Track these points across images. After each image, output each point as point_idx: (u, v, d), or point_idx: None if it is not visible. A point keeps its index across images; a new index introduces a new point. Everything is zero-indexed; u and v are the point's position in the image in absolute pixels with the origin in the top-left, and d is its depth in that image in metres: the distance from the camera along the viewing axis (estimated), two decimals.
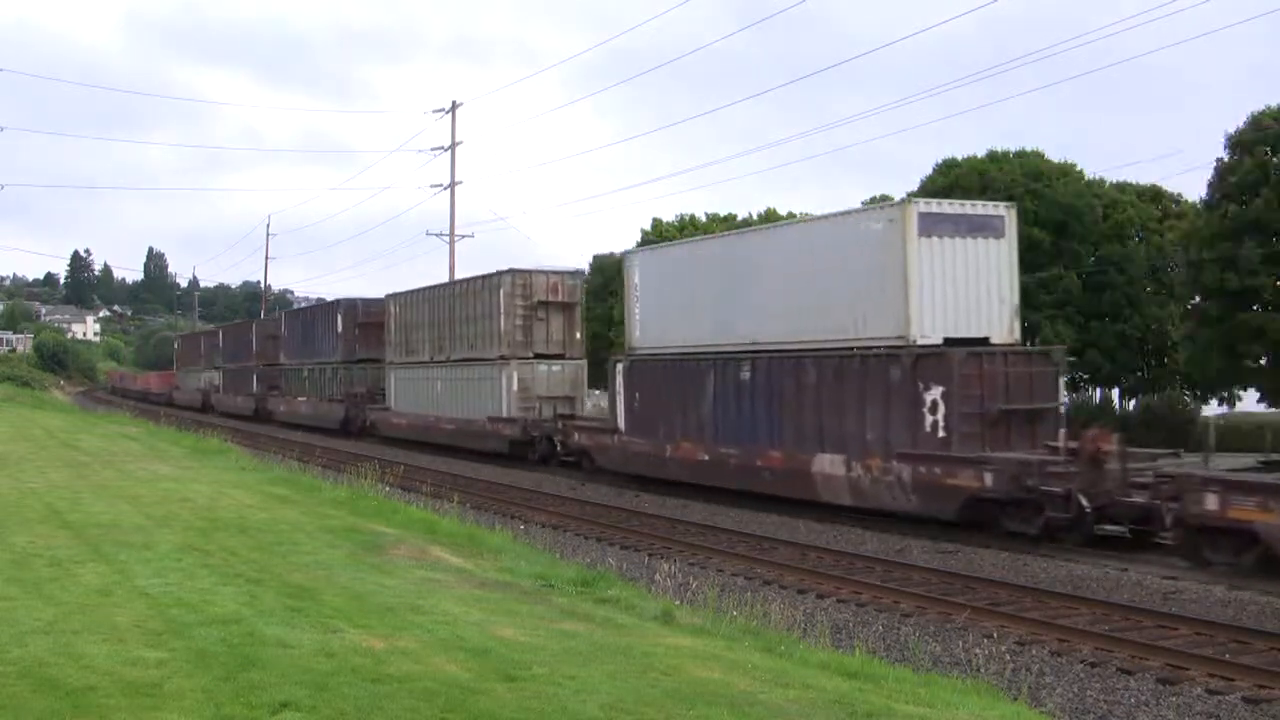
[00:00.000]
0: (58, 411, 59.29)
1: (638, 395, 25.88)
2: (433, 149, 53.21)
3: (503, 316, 33.49)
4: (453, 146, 51.92)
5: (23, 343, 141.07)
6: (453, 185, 51.94)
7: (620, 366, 26.70)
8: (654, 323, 25.93)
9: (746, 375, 22.34)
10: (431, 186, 60.21)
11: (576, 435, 29.27)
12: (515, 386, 32.67)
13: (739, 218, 57.67)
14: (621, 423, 26.35)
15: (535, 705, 6.70)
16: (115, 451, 27.64)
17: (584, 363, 34.56)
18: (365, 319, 46.79)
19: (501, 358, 33.49)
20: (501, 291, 33.73)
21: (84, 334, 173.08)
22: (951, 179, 43.98)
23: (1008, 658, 10.80)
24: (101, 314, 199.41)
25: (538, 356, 33.46)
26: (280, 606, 9.27)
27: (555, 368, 33.56)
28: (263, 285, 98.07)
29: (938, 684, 8.59)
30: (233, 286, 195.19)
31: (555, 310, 33.98)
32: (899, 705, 7.48)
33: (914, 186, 46.64)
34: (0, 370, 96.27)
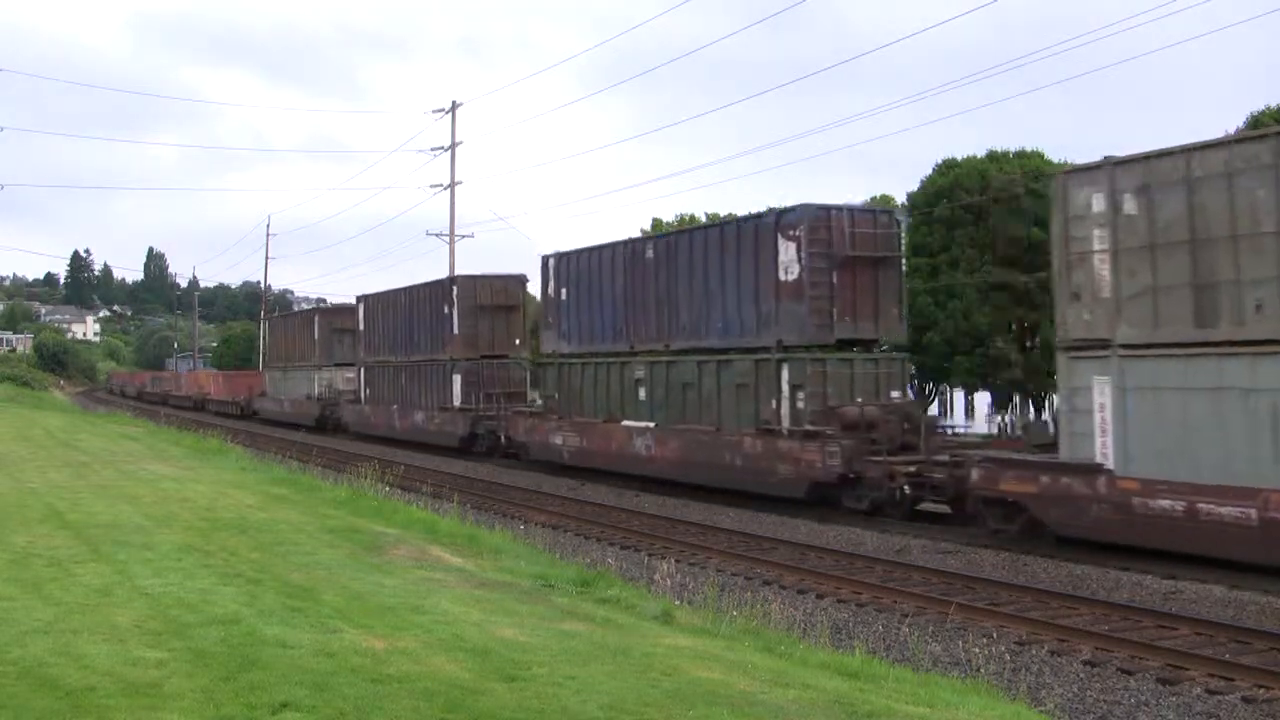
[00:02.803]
0: (58, 412, 59.27)
1: None
2: (433, 149, 53.20)
3: None
4: (453, 146, 51.94)
5: (23, 343, 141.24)
6: (453, 185, 51.95)
7: None
8: None
9: None
10: (431, 186, 59.54)
11: None
12: None
13: (738, 216, 57.64)
14: None
15: (535, 705, 6.70)
16: (115, 451, 27.63)
17: None
18: (859, 251, 21.86)
19: None
20: None
21: (84, 334, 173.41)
22: (951, 179, 43.95)
23: (1007, 658, 10.80)
24: (101, 314, 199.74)
25: None
26: (280, 606, 9.26)
27: None
28: (263, 285, 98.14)
29: (938, 684, 8.59)
30: (232, 286, 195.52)
31: None
32: (899, 705, 7.48)
33: (914, 186, 46.64)
34: (0, 370, 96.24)
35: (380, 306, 43.69)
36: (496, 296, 36.93)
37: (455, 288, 37.07)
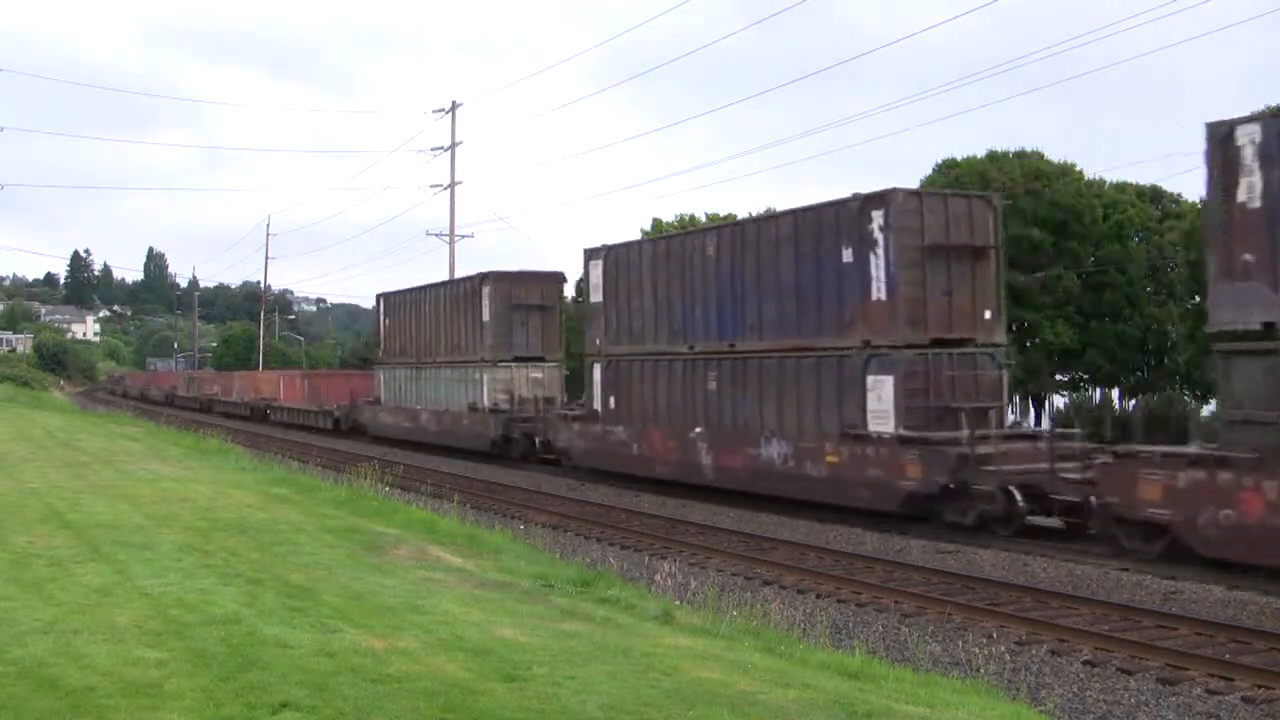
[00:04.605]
0: (57, 412, 59.25)
1: None
2: (433, 149, 53.20)
3: None
4: (452, 146, 51.96)
5: (23, 343, 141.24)
6: (452, 185, 51.96)
7: None
8: None
9: None
10: (431, 186, 59.24)
11: None
12: None
13: (738, 217, 57.69)
14: None
15: (535, 705, 6.70)
16: (115, 451, 27.63)
17: None
18: None
19: None
20: None
21: (84, 334, 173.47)
22: (951, 179, 44.00)
23: (1007, 658, 10.80)
24: (101, 314, 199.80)
25: None
26: (280, 606, 9.27)
27: None
28: (263, 285, 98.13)
29: (938, 684, 8.59)
30: (232, 287, 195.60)
31: None
32: (899, 705, 7.48)
33: (914, 185, 46.56)
34: (0, 370, 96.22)
35: (645, 262, 25.88)
36: (957, 231, 19.58)
37: (880, 215, 19.26)
